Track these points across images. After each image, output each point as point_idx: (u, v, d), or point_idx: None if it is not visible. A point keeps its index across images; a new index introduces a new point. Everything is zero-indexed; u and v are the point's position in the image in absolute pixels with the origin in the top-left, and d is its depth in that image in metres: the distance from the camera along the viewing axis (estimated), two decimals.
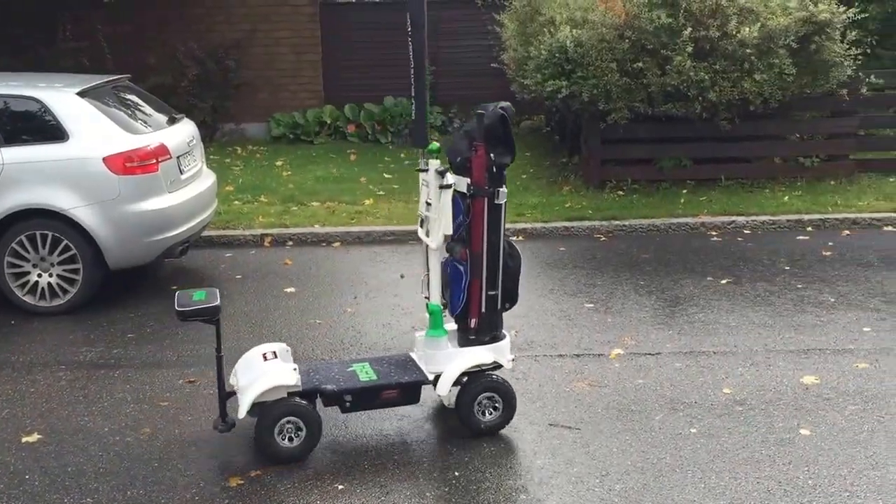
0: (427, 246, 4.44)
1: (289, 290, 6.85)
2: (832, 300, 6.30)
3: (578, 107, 9.40)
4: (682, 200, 9.15)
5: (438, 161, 4.28)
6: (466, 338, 4.44)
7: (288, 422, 4.16)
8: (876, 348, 5.38)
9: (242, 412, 4.12)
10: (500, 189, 4.25)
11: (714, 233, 8.37)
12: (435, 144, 4.31)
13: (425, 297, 4.54)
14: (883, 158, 10.22)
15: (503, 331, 4.50)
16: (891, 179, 9.57)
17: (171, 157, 6.72)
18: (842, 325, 5.80)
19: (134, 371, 5.35)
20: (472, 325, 4.39)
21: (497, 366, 4.43)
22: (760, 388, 4.87)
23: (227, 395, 4.30)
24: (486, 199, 4.24)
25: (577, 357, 5.41)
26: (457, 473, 4.05)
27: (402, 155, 12.13)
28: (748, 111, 9.18)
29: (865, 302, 6.23)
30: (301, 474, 4.07)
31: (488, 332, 4.42)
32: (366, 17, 14.75)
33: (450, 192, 4.23)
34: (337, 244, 8.31)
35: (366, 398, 4.35)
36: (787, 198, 9.07)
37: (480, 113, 4.24)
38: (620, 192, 9.56)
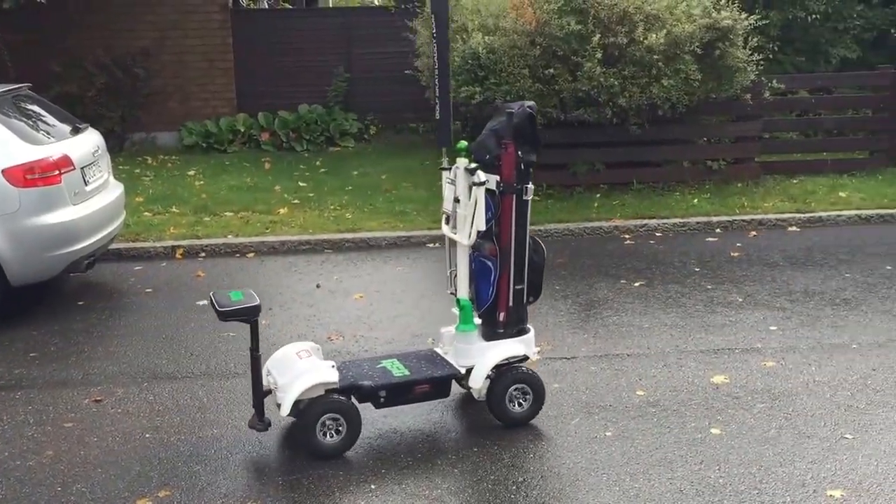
0: (450, 241, 4.61)
1: (201, 302, 6.68)
2: (740, 300, 6.47)
3: (492, 112, 9.43)
4: (596, 205, 9.29)
5: (466, 159, 4.39)
6: (494, 331, 4.56)
7: (329, 418, 4.23)
8: (782, 346, 5.54)
9: (286, 410, 4.18)
10: (528, 185, 4.42)
11: (627, 236, 8.51)
12: (463, 143, 4.44)
13: (451, 293, 4.72)
14: (786, 161, 10.58)
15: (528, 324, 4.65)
16: (794, 181, 9.90)
17: (74, 169, 6.49)
18: (750, 324, 5.96)
19: (36, 391, 5.14)
20: (501, 318, 4.53)
21: (524, 358, 4.57)
22: (673, 388, 4.96)
23: (264, 395, 4.34)
24: (514, 196, 4.38)
25: None
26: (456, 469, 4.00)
27: (318, 163, 12.00)
28: (657, 116, 9.39)
29: (772, 301, 6.41)
30: (217, 492, 3.96)
31: (516, 325, 4.57)
32: (279, 24, 14.58)
33: (482, 189, 4.31)
34: (251, 255, 8.16)
35: (399, 393, 4.46)
36: (696, 200, 9.30)
37: (510, 112, 4.37)
38: (536, 198, 9.62)
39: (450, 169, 4.55)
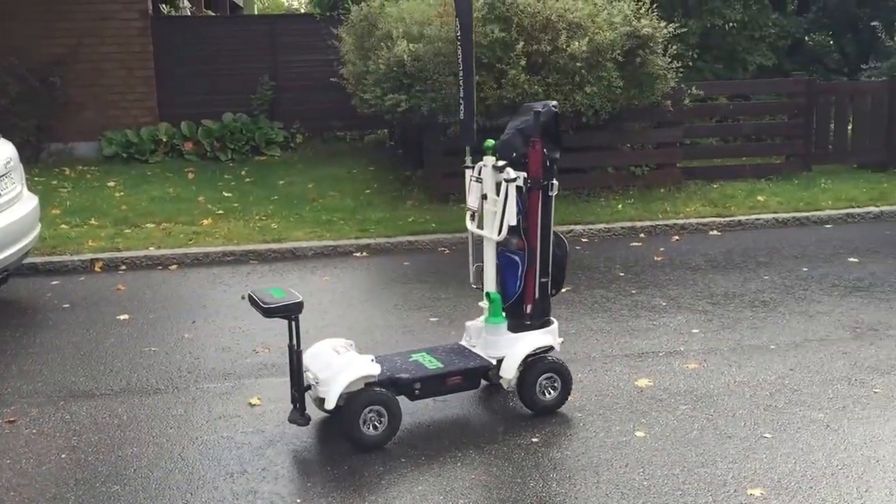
0: (472, 236, 4.90)
1: (122, 317, 6.50)
2: (664, 304, 6.58)
3: (419, 120, 9.45)
4: None
5: (492, 157, 4.59)
6: (522, 323, 4.75)
7: (371, 411, 4.33)
8: (704, 349, 5.65)
9: (332, 403, 4.29)
10: (553, 182, 4.63)
11: None
12: (490, 141, 4.64)
13: (476, 287, 4.93)
14: (707, 166, 10.83)
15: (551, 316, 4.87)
16: (714, 186, 10.14)
17: None
18: (673, 327, 6.06)
19: None
20: (528, 310, 4.74)
21: (550, 348, 4.75)
22: (598, 393, 5.00)
23: (305, 389, 4.41)
24: (540, 192, 4.59)
25: None
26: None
27: (243, 172, 11.82)
28: (581, 123, 9.51)
29: (694, 304, 6.54)
30: None
31: (541, 316, 4.79)
32: (202, 32, 14.35)
33: (514, 185, 4.50)
34: (174, 267, 7.98)
35: (433, 385, 4.61)
36: (620, 206, 9.45)
37: (538, 111, 4.55)
38: (463, 205, 9.65)
39: (472, 167, 4.76)
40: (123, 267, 7.94)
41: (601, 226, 8.89)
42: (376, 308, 6.70)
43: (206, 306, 6.78)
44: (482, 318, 4.87)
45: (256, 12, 29.40)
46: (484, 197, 4.68)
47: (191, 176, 11.61)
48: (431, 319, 6.39)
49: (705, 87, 10.67)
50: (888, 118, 10.35)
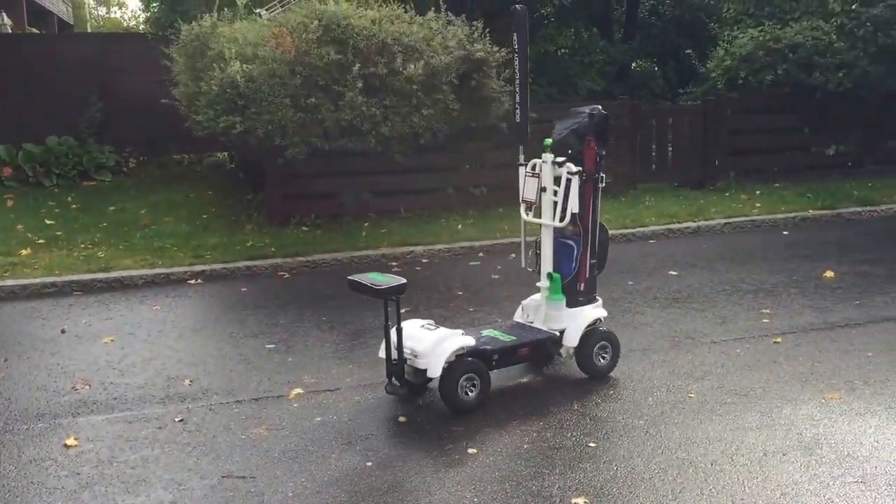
0: (525, 226, 5.64)
1: None
2: (500, 320, 6.67)
3: (254, 143, 9.28)
4: (364, 234, 9.34)
5: (551, 154, 5.26)
6: (576, 299, 5.47)
7: (466, 378, 4.91)
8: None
9: (437, 372, 4.85)
10: (602, 174, 5.39)
11: (394, 263, 8.62)
12: (549, 140, 5.31)
13: (531, 270, 5.68)
14: None
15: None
16: None
17: None
18: None
19: None
20: (581, 288, 5.47)
21: (600, 320, 5.51)
22: (434, 412, 5.02)
23: (402, 362, 4.93)
24: (593, 183, 5.30)
25: (255, 401, 5.26)
26: None
27: (69, 199, 11.23)
28: (420, 144, 9.61)
29: None
30: None
31: (591, 293, 5.53)
32: (25, 50, 13.62)
33: (576, 178, 5.15)
34: None
35: (507, 356, 5.22)
36: (460, 226, 9.60)
37: (592, 114, 5.34)
38: (305, 228, 9.56)
39: (525, 164, 5.48)
40: None
41: (441, 246, 9.00)
42: (210, 337, 6.50)
43: (21, 342, 6.36)
44: (538, 296, 5.56)
45: (89, 30, 28.15)
46: (543, 189, 5.32)
47: (9, 203, 10.92)
48: (268, 346, 6.25)
49: (539, 110, 11.01)
50: (703, 139, 11.03)
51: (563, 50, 13.94)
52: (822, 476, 4.16)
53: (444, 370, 4.85)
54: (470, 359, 4.97)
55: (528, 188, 5.45)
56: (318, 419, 4.95)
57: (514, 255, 8.82)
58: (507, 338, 5.30)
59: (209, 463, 4.45)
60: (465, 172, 10.50)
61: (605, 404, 5.07)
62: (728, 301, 7.05)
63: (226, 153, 14.06)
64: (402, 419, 4.94)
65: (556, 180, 5.27)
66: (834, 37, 11.14)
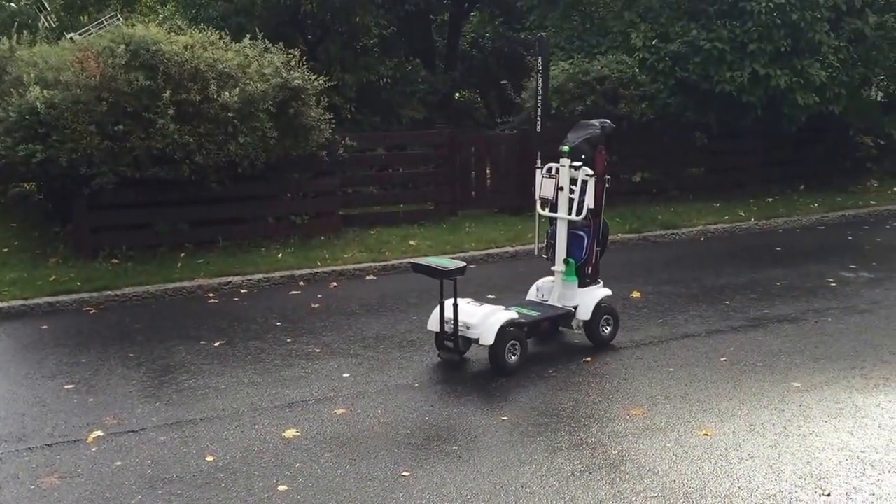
0: (539, 219, 6.78)
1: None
2: (318, 350, 6.60)
3: (57, 172, 8.75)
4: (180, 265, 8.99)
5: (568, 159, 6.34)
6: (584, 281, 6.54)
7: (512, 344, 5.96)
8: (353, 393, 5.73)
9: (490, 340, 5.86)
10: (608, 177, 6.59)
11: (211, 295, 8.33)
12: (566, 147, 6.36)
13: (544, 257, 6.75)
14: (366, 213, 11.16)
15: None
16: (372, 232, 10.45)
17: None
18: (324, 374, 6.09)
19: None
20: (589, 271, 6.56)
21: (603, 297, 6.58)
22: (244, 449, 4.86)
23: (453, 333, 6.00)
24: (603, 183, 6.46)
25: (49, 447, 4.91)
26: None
27: None
28: (238, 173, 9.36)
29: (347, 349, 6.64)
30: None
31: (596, 276, 6.64)
32: None
33: (592, 179, 6.24)
34: None
35: (534, 328, 6.31)
36: (280, 255, 9.41)
37: (604, 126, 6.53)
38: (115, 261, 9.08)
39: (542, 167, 6.60)
40: None
41: (260, 276, 8.79)
42: (1, 380, 6.03)
43: None
44: (549, 278, 6.63)
45: None
46: (560, 188, 6.38)
47: None
48: (67, 387, 5.87)
49: (360, 139, 11.02)
50: (519, 166, 11.38)
51: (385, 79, 14.05)
52: (626, 493, 4.33)
53: (496, 338, 5.80)
54: (511, 329, 5.95)
55: (544, 187, 6.50)
56: (119, 463, 4.67)
57: (335, 284, 8.75)
58: (533, 313, 6.32)
59: None
60: (285, 201, 10.31)
61: (420, 432, 5.06)
62: None
63: (34, 184, 13.16)
64: (209, 458, 4.73)
65: (572, 181, 6.32)
66: (637, 70, 11.82)
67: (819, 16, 11.60)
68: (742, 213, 11.61)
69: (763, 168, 13.17)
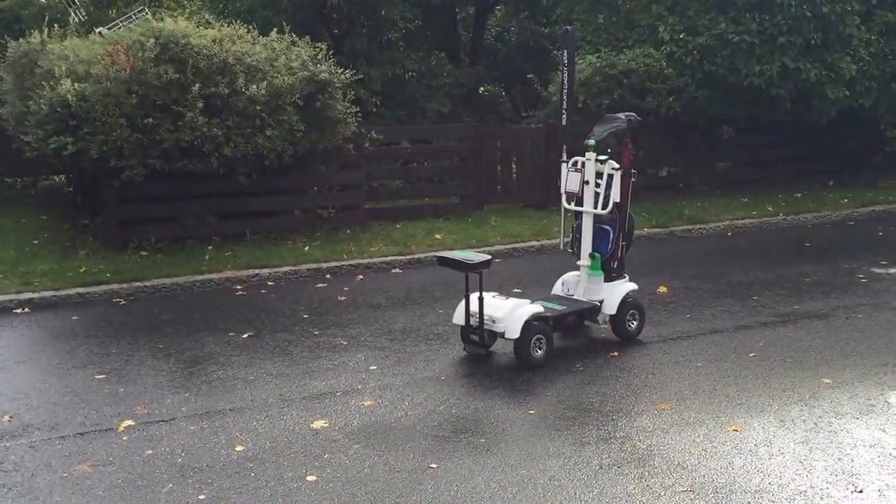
0: (565, 213, 6.92)
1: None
2: (345, 343, 6.63)
3: (88, 165, 8.84)
4: (208, 257, 9.05)
5: (594, 153, 6.28)
6: (610, 275, 6.48)
7: (537, 339, 5.91)
8: (380, 385, 5.75)
9: (516, 333, 5.81)
10: (634, 171, 6.45)
11: (239, 287, 8.39)
12: (591, 141, 6.30)
13: (570, 251, 6.71)
14: (391, 207, 11.17)
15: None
16: (397, 225, 10.47)
17: None
18: (351, 366, 6.12)
19: None
20: (615, 266, 6.51)
21: (629, 292, 6.49)
22: (272, 440, 4.89)
23: (478, 326, 5.95)
24: (629, 178, 6.34)
25: (80, 436, 4.96)
26: None
27: None
28: (265, 166, 9.41)
29: (373, 342, 6.65)
30: None
31: (622, 270, 6.58)
32: None
33: (618, 173, 6.17)
34: None
35: (560, 322, 6.26)
36: (307, 248, 9.45)
37: (630, 119, 6.48)
38: (144, 253, 9.16)
39: (567, 161, 6.61)
40: None
41: (287, 269, 8.83)
42: (33, 370, 6.10)
43: None
44: (575, 272, 6.57)
45: None
46: (586, 182, 6.31)
47: None
48: (98, 377, 5.93)
49: (386, 132, 11.03)
50: (545, 161, 11.35)
51: (410, 73, 14.05)
52: (655, 487, 4.32)
53: (521, 331, 5.75)
54: (537, 322, 5.90)
55: (570, 181, 6.46)
56: (149, 452, 4.72)
57: (361, 277, 8.77)
58: (559, 307, 6.27)
59: None
60: (312, 194, 10.36)
61: (447, 424, 5.07)
62: None
63: (63, 176, 13.29)
64: (238, 448, 4.77)
65: (598, 175, 6.28)
66: (664, 64, 11.74)
67: (850, 9, 11.46)
68: (770, 209, 11.50)
69: (791, 163, 13.05)
